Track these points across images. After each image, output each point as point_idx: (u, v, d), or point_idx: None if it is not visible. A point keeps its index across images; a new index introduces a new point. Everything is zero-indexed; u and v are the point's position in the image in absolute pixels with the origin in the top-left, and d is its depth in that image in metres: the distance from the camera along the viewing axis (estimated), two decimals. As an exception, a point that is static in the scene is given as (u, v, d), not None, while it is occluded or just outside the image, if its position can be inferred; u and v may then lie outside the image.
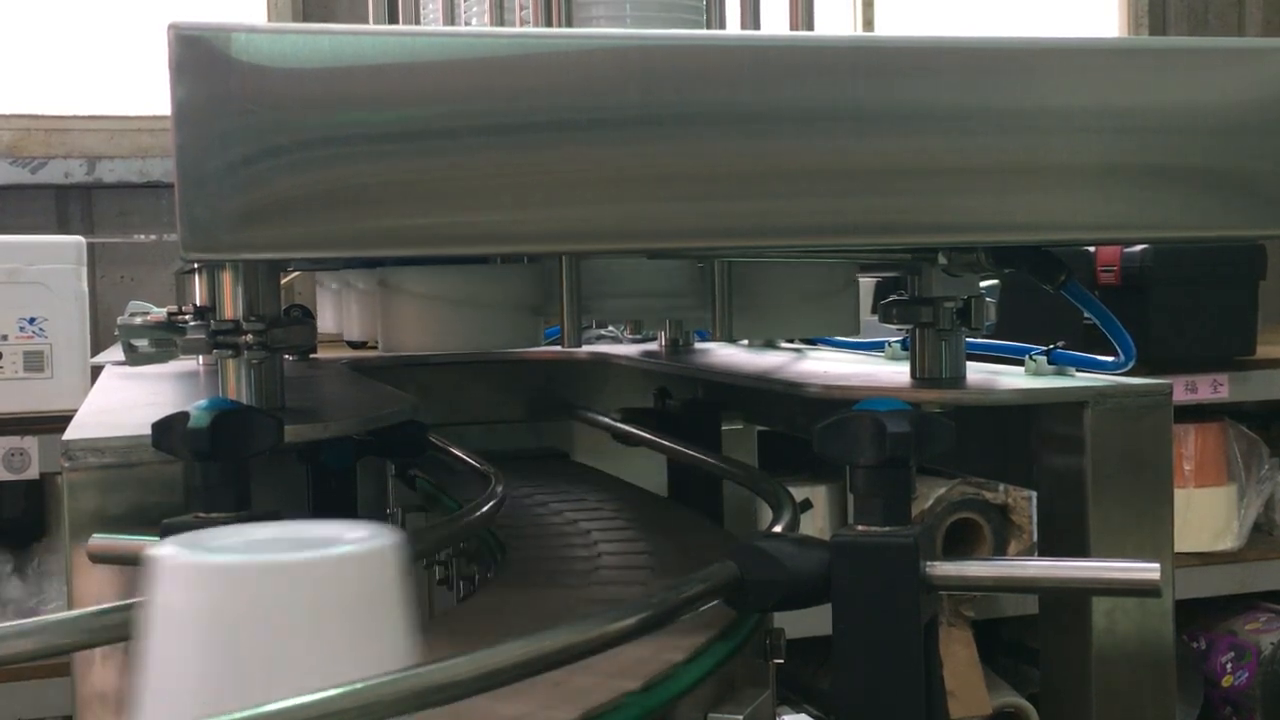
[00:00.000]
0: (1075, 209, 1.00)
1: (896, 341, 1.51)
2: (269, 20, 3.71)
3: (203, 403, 0.97)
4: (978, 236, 1.08)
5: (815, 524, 2.85)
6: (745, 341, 1.82)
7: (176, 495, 1.02)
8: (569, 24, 1.14)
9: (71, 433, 1.06)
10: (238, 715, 0.58)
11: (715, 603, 0.90)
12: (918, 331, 1.26)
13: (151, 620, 0.63)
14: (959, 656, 2.98)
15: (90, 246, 3.18)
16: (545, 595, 1.11)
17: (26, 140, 3.69)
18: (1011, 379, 1.25)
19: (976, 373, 1.28)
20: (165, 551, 0.63)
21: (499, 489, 1.20)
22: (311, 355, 1.82)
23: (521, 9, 1.19)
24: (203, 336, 1.17)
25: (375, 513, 1.63)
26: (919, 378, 1.26)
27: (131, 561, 0.99)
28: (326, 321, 1.72)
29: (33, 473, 2.61)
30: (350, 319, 1.55)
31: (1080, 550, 1.16)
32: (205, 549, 0.64)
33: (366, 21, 1.48)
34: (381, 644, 0.65)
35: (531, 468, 1.71)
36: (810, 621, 0.99)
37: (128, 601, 0.83)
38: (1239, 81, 1.02)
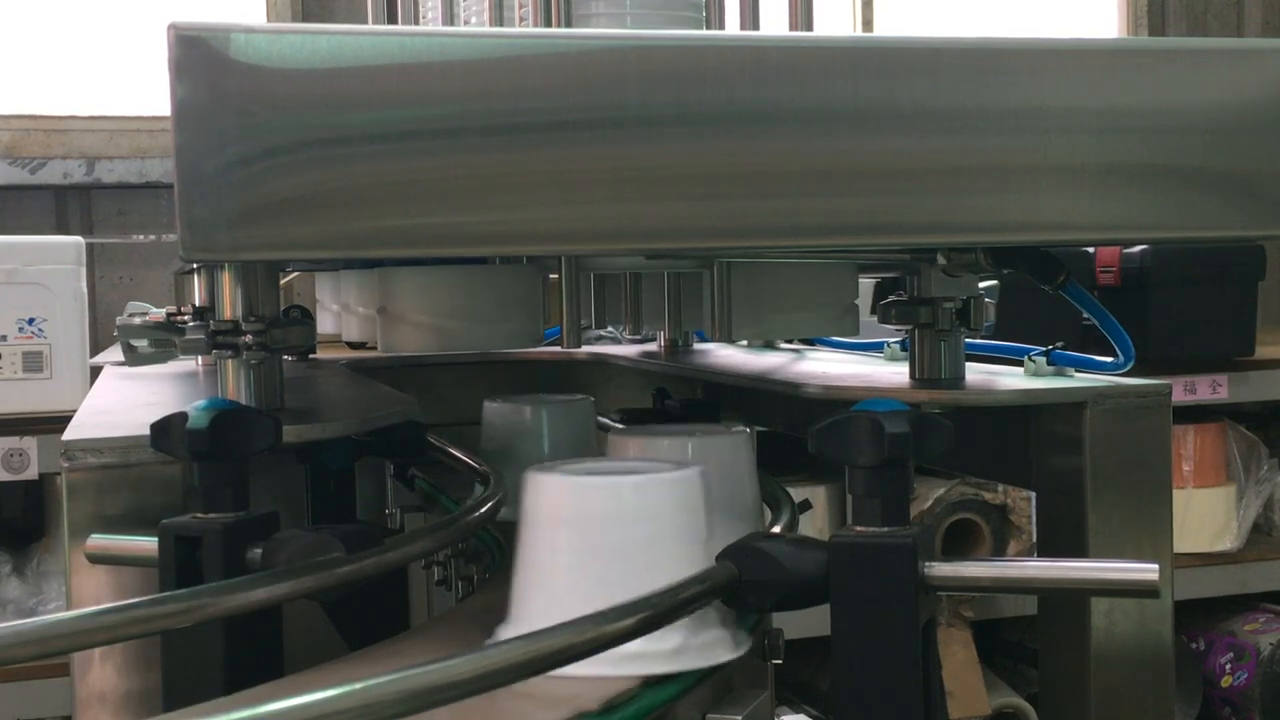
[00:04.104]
0: (1074, 209, 1.00)
1: (896, 342, 1.51)
2: (268, 20, 3.71)
3: (201, 403, 0.97)
4: (977, 237, 1.08)
5: (814, 524, 2.85)
6: (744, 342, 1.82)
7: (175, 495, 1.02)
8: (568, 24, 1.14)
9: (70, 433, 1.06)
10: (238, 715, 0.58)
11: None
12: (917, 332, 1.26)
13: (534, 530, 0.89)
14: (958, 657, 2.98)
15: (89, 247, 3.18)
16: (544, 595, 1.11)
17: (25, 140, 3.69)
18: (1011, 380, 1.25)
19: (975, 373, 1.28)
20: (545, 475, 0.90)
21: (498, 489, 1.20)
22: (311, 355, 1.82)
23: (520, 9, 1.19)
24: (202, 337, 1.17)
25: (374, 513, 1.63)
26: (918, 378, 1.26)
27: (130, 562, 0.99)
28: (326, 322, 1.72)
29: (32, 473, 2.61)
30: (349, 319, 1.55)
31: (1079, 551, 1.16)
32: (576, 473, 0.91)
33: (365, 22, 1.48)
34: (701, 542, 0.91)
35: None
36: (809, 622, 0.99)
37: (127, 602, 0.83)
38: (1239, 82, 1.02)
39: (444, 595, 1.47)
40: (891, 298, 1.28)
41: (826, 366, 1.48)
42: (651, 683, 0.86)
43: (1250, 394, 3.13)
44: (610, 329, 2.12)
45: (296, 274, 1.98)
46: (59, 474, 1.04)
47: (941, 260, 1.23)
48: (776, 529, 1.12)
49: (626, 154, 0.91)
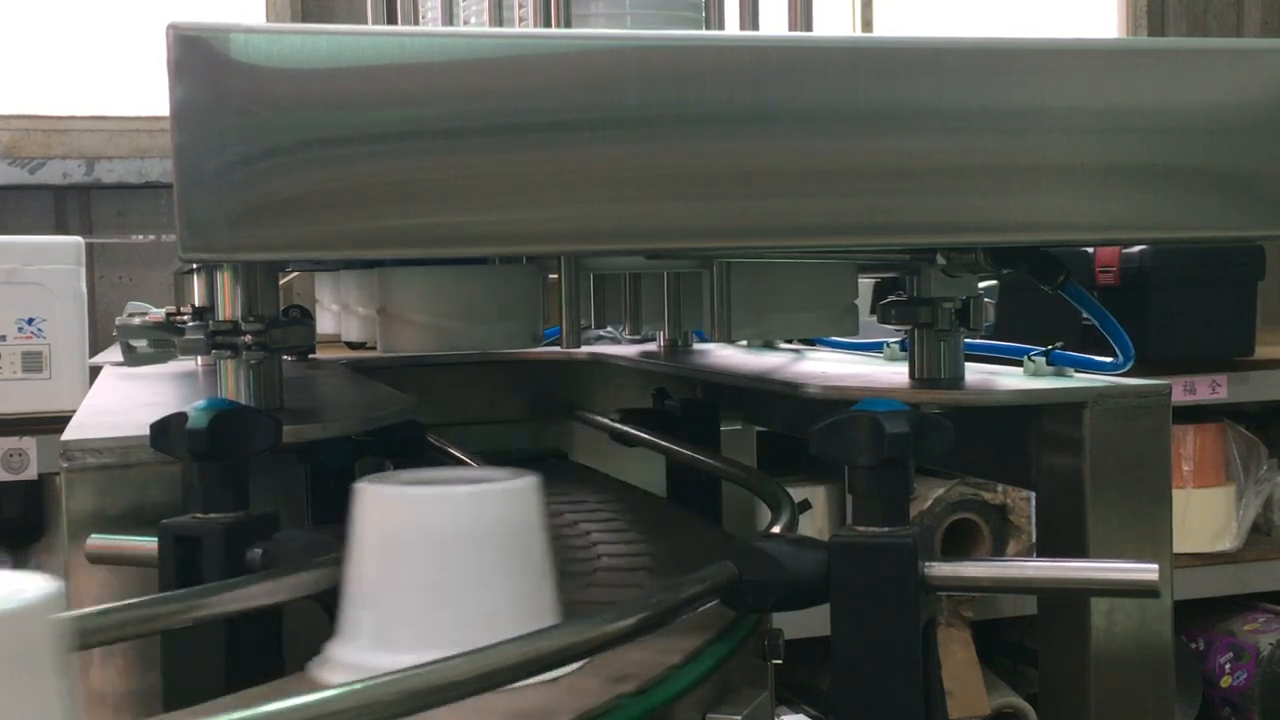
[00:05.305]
0: (1074, 209, 1.00)
1: (895, 342, 1.51)
2: (267, 20, 3.71)
3: (201, 403, 0.97)
4: (976, 237, 1.08)
5: (814, 524, 2.85)
6: (744, 342, 1.82)
7: (175, 495, 1.02)
8: (568, 24, 1.14)
9: (70, 433, 1.06)
10: (238, 715, 0.58)
11: (713, 603, 0.90)
12: (916, 332, 1.26)
13: (362, 541, 0.82)
14: (958, 657, 2.98)
15: (89, 247, 3.18)
16: (544, 596, 1.11)
17: (25, 140, 3.69)
18: (1010, 380, 1.25)
19: (975, 373, 1.28)
20: (377, 486, 0.83)
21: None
22: (310, 355, 1.82)
23: (520, 9, 1.19)
24: (201, 337, 1.18)
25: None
26: (917, 378, 1.26)
27: (130, 562, 0.99)
28: (326, 322, 1.72)
29: (31, 473, 2.61)
30: (349, 319, 1.55)
31: (1079, 551, 1.16)
32: (404, 483, 0.84)
33: (365, 22, 1.48)
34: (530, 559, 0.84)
35: (530, 468, 1.71)
36: (809, 622, 0.99)
37: (127, 602, 0.83)
38: (1238, 81, 1.02)
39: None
40: (891, 298, 1.28)
41: (826, 366, 1.48)
42: (652, 683, 0.86)
43: (1250, 394, 3.13)
44: (610, 329, 2.12)
45: (296, 274, 1.98)
46: (58, 474, 1.04)
47: (941, 260, 1.23)
48: (776, 529, 1.12)
49: (626, 154, 0.91)
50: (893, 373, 1.34)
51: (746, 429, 1.96)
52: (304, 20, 3.70)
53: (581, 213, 0.91)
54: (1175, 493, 1.20)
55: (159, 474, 1.02)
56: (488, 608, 0.80)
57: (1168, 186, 1.01)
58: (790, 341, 1.77)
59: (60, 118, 3.73)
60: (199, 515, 0.96)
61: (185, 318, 1.34)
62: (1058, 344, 1.29)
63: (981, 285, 1.28)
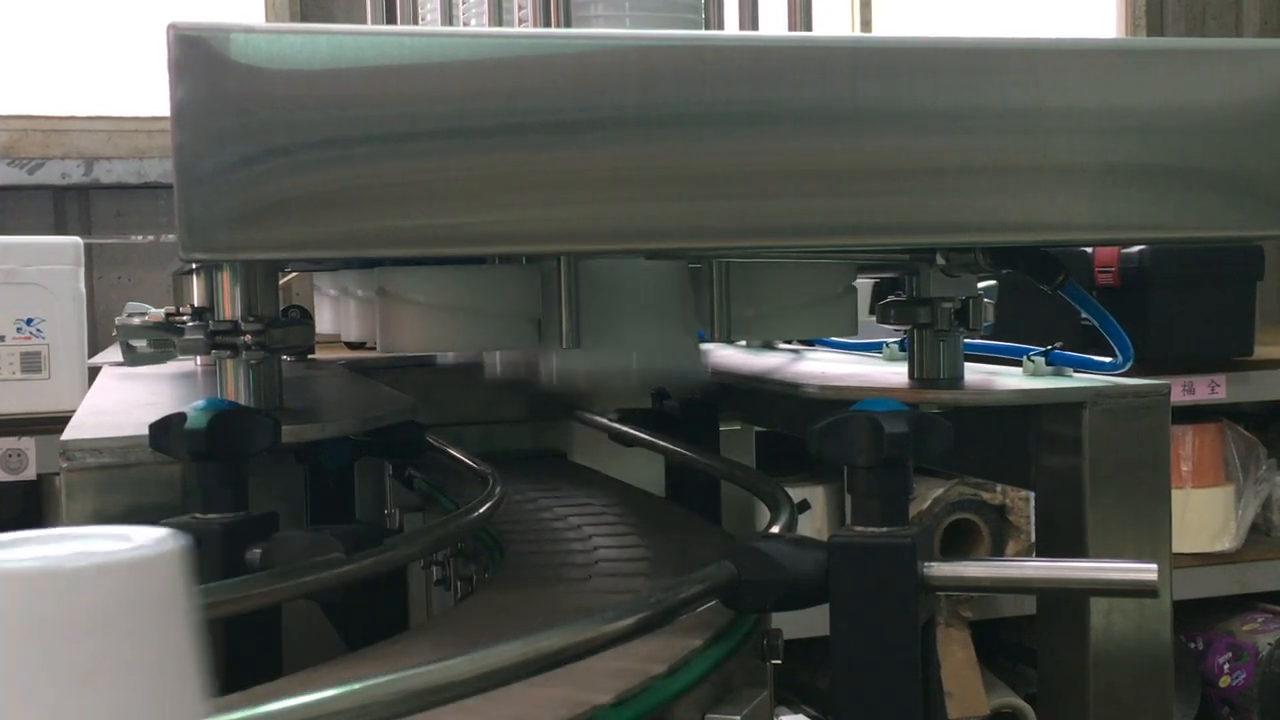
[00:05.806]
0: (1074, 209, 1.00)
1: (894, 342, 1.51)
2: (267, 20, 3.70)
3: (200, 403, 0.97)
4: (976, 237, 1.08)
5: (813, 525, 2.85)
6: (743, 342, 1.82)
7: (174, 495, 1.02)
8: (567, 25, 1.14)
9: (69, 433, 1.06)
10: (238, 715, 0.58)
11: (713, 603, 0.90)
12: (916, 332, 1.26)
13: None
14: (957, 657, 2.98)
15: (88, 247, 3.18)
16: (543, 596, 1.11)
17: (24, 141, 3.69)
18: (1009, 380, 1.25)
19: (974, 373, 1.28)
20: None
21: (496, 489, 1.20)
22: (310, 356, 1.82)
23: (520, 10, 1.19)
24: (201, 337, 1.18)
25: (373, 513, 1.63)
26: (917, 378, 1.26)
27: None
28: (325, 322, 1.72)
29: (30, 474, 2.61)
30: (348, 320, 1.55)
31: (1078, 551, 1.16)
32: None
33: (364, 22, 1.48)
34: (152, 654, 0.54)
35: (529, 468, 1.71)
36: (809, 622, 0.99)
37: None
38: (1238, 82, 1.02)
39: (443, 595, 1.47)
40: (891, 298, 1.28)
41: (825, 366, 1.48)
42: (652, 682, 0.86)
43: (1249, 394, 3.12)
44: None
45: (295, 274, 1.98)
46: (57, 474, 1.04)
47: (940, 260, 1.23)
48: (775, 529, 1.12)
49: (626, 154, 0.91)
50: (892, 373, 1.34)
51: (746, 429, 1.96)
52: (303, 20, 3.70)
53: (581, 213, 0.91)
54: (1174, 493, 1.20)
55: (158, 474, 1.02)
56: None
57: (1167, 186, 1.01)
58: (790, 341, 1.77)
59: (59, 118, 3.73)
60: (198, 515, 0.96)
61: (185, 318, 1.34)
62: (1057, 344, 1.29)
63: (981, 285, 1.28)
